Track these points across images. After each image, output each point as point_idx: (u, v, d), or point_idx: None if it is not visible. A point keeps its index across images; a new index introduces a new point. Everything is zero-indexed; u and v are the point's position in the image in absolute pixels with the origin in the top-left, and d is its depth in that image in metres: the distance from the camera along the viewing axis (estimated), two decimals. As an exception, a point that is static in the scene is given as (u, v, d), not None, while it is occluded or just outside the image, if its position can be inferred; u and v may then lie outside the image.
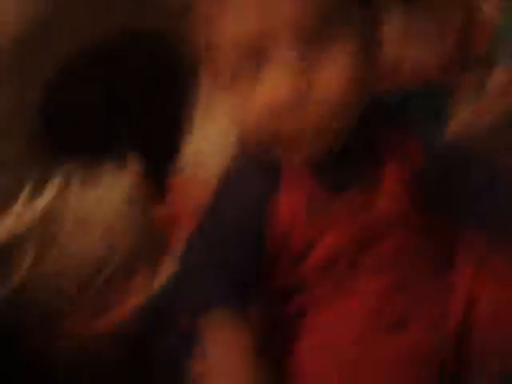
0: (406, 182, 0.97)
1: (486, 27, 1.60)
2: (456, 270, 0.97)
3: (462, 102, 1.46)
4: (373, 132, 0.97)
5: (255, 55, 0.91)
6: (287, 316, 0.97)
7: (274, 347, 0.97)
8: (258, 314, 0.96)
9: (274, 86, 0.88)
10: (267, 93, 0.89)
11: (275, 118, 0.89)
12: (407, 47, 1.57)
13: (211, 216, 1.00)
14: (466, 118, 1.42)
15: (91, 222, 1.28)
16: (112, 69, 1.41)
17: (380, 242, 0.94)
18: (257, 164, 0.96)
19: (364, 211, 0.94)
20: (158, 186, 1.34)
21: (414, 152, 0.99)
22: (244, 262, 0.94)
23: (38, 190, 1.26)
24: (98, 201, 1.29)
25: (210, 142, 1.30)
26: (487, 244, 0.98)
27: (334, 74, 0.89)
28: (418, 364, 0.94)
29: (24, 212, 1.23)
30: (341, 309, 0.94)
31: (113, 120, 1.40)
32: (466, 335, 0.95)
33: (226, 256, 0.94)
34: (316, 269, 0.94)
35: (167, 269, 1.23)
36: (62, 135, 1.33)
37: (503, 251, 0.95)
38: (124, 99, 1.42)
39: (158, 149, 1.38)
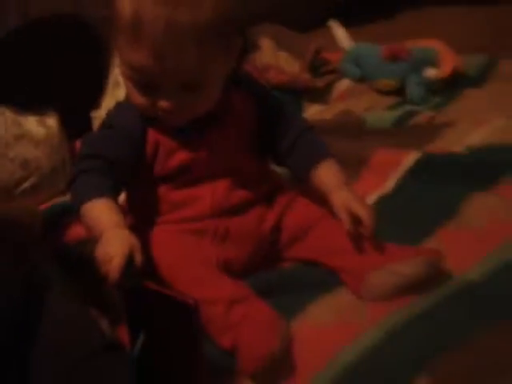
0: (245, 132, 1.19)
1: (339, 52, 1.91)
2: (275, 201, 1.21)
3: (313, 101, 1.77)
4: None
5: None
6: (158, 196, 1.17)
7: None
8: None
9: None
10: None
11: None
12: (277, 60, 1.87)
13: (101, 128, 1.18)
14: (314, 112, 1.74)
15: (14, 150, 1.48)
16: (44, 42, 1.58)
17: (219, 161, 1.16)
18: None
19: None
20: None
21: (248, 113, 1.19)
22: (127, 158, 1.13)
23: None
24: (20, 136, 1.49)
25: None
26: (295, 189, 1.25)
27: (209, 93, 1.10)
28: (254, 234, 1.18)
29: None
30: (193, 194, 1.16)
31: (40, 79, 1.58)
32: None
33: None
34: (175, 168, 1.14)
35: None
36: None
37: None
38: (51, 66, 1.61)
39: (75, 109, 1.60)
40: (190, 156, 1.15)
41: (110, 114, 1.20)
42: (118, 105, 1.21)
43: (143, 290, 0.98)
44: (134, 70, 1.08)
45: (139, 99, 1.11)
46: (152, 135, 1.15)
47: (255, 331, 1.02)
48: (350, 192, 1.16)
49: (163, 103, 1.09)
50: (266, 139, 1.23)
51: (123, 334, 1.04)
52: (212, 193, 1.17)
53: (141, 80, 1.08)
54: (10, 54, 1.52)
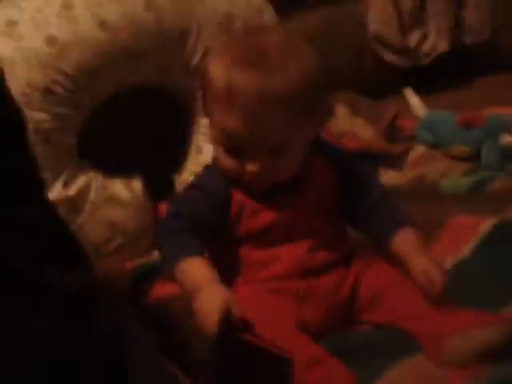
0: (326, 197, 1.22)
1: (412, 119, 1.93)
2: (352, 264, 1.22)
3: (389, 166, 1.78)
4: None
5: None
6: (238, 255, 1.19)
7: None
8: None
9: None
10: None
11: None
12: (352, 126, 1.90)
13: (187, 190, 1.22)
14: (389, 178, 1.75)
15: (103, 212, 1.52)
16: (131, 111, 1.62)
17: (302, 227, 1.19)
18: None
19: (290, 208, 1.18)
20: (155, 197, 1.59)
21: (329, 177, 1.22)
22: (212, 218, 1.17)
23: (67, 183, 1.47)
24: (109, 199, 1.53)
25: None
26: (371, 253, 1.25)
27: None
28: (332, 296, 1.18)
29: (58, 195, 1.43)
30: (273, 255, 1.18)
31: (128, 148, 1.61)
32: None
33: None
34: (258, 229, 1.17)
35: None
36: (92, 150, 1.54)
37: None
38: (139, 133, 1.64)
39: (159, 173, 1.63)
40: (273, 218, 1.18)
41: (197, 177, 1.24)
42: (206, 168, 1.25)
43: (240, 341, 1.00)
44: (226, 134, 1.12)
45: (227, 162, 1.15)
46: (237, 197, 1.18)
47: None
48: (429, 259, 1.17)
49: (250, 166, 1.12)
50: (345, 203, 1.25)
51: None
52: (290, 254, 1.19)
53: (230, 144, 1.13)
54: (102, 122, 1.56)
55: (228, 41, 1.18)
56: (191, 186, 1.23)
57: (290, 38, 1.17)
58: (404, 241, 1.21)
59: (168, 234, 1.18)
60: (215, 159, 1.21)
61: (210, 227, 1.19)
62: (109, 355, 0.93)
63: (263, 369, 1.00)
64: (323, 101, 1.17)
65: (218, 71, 1.11)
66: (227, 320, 1.04)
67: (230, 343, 1.02)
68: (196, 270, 1.13)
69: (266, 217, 1.18)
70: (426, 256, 1.17)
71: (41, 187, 1.03)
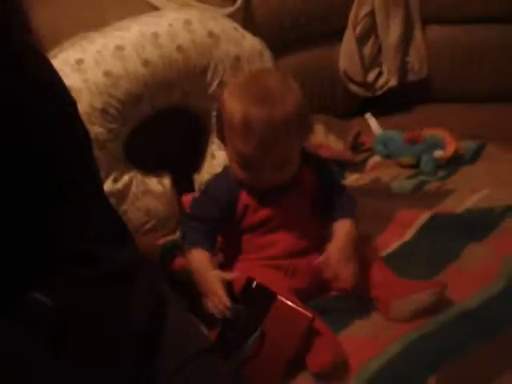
0: (309, 195, 1.21)
1: (371, 136, 1.90)
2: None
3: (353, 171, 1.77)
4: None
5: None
6: (244, 241, 1.19)
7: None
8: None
9: None
10: None
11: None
12: (327, 140, 1.89)
13: (201, 195, 1.21)
14: (353, 179, 1.73)
15: (141, 201, 1.51)
16: (164, 125, 1.60)
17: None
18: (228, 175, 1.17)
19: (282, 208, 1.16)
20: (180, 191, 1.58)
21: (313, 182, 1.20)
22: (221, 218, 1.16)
23: (115, 180, 1.47)
24: (146, 192, 1.52)
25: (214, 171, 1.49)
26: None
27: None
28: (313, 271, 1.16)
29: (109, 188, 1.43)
30: (271, 240, 1.18)
31: (161, 154, 1.61)
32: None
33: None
34: (258, 222, 1.17)
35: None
36: (134, 155, 1.53)
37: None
38: (168, 142, 1.64)
39: (183, 173, 1.63)
40: (271, 213, 1.18)
41: (208, 185, 1.23)
42: (215, 176, 1.25)
43: (272, 298, 1.03)
44: (242, 156, 1.11)
45: (243, 175, 1.14)
46: (243, 198, 1.18)
47: (322, 342, 1.05)
48: (340, 249, 1.14)
49: (262, 177, 1.12)
50: (321, 200, 1.24)
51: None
52: (284, 240, 1.19)
53: (245, 162, 1.12)
54: (143, 135, 1.56)
55: (240, 83, 1.15)
56: (203, 193, 1.23)
57: (283, 77, 1.15)
58: (339, 227, 1.19)
59: (188, 231, 1.19)
60: (227, 169, 1.20)
61: (220, 225, 1.19)
62: (151, 313, 0.93)
63: (285, 323, 1.02)
64: (308, 121, 1.16)
65: (235, 108, 1.09)
66: (229, 289, 1.07)
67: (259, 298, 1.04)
68: (199, 259, 1.14)
69: (264, 212, 1.18)
70: (341, 245, 1.15)
71: (100, 184, 1.04)
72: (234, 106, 1.09)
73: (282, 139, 1.08)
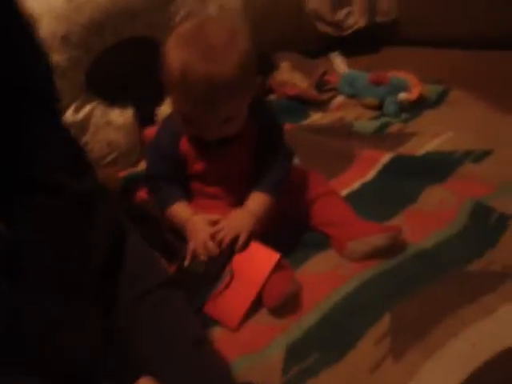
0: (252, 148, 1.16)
1: (336, 75, 1.89)
2: None
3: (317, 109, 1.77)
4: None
5: None
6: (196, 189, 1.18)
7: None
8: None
9: None
10: None
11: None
12: (292, 78, 1.88)
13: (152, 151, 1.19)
14: (316, 118, 1.73)
15: (102, 133, 1.50)
16: (128, 55, 1.54)
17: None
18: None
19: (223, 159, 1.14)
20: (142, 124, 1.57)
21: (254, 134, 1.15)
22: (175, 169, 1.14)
23: (77, 110, 1.45)
24: (107, 123, 1.51)
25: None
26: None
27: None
28: None
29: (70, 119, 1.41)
30: (216, 192, 1.16)
31: (124, 85, 1.55)
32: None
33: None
34: (200, 172, 1.14)
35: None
36: (96, 85, 1.50)
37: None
38: (131, 73, 1.54)
39: (145, 105, 1.60)
40: (207, 165, 1.15)
41: (155, 136, 1.19)
42: (161, 124, 1.20)
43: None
44: (183, 112, 1.06)
45: (187, 128, 1.10)
46: (183, 147, 1.15)
47: (279, 277, 1.06)
48: (235, 219, 1.12)
49: (207, 135, 1.08)
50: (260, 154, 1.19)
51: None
52: (227, 191, 1.18)
53: (187, 117, 1.07)
54: (106, 64, 1.51)
55: (183, 32, 1.04)
56: (153, 147, 1.18)
57: (232, 32, 1.04)
58: (251, 199, 1.16)
59: (155, 191, 1.18)
60: (172, 114, 1.15)
61: (176, 173, 1.16)
62: (111, 242, 0.95)
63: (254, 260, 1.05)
64: (255, 76, 1.08)
65: (174, 60, 1.01)
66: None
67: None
68: (178, 212, 1.14)
69: (201, 164, 1.15)
70: (238, 216, 1.12)
71: (59, 113, 1.01)
72: (173, 57, 1.02)
73: (222, 99, 1.01)
